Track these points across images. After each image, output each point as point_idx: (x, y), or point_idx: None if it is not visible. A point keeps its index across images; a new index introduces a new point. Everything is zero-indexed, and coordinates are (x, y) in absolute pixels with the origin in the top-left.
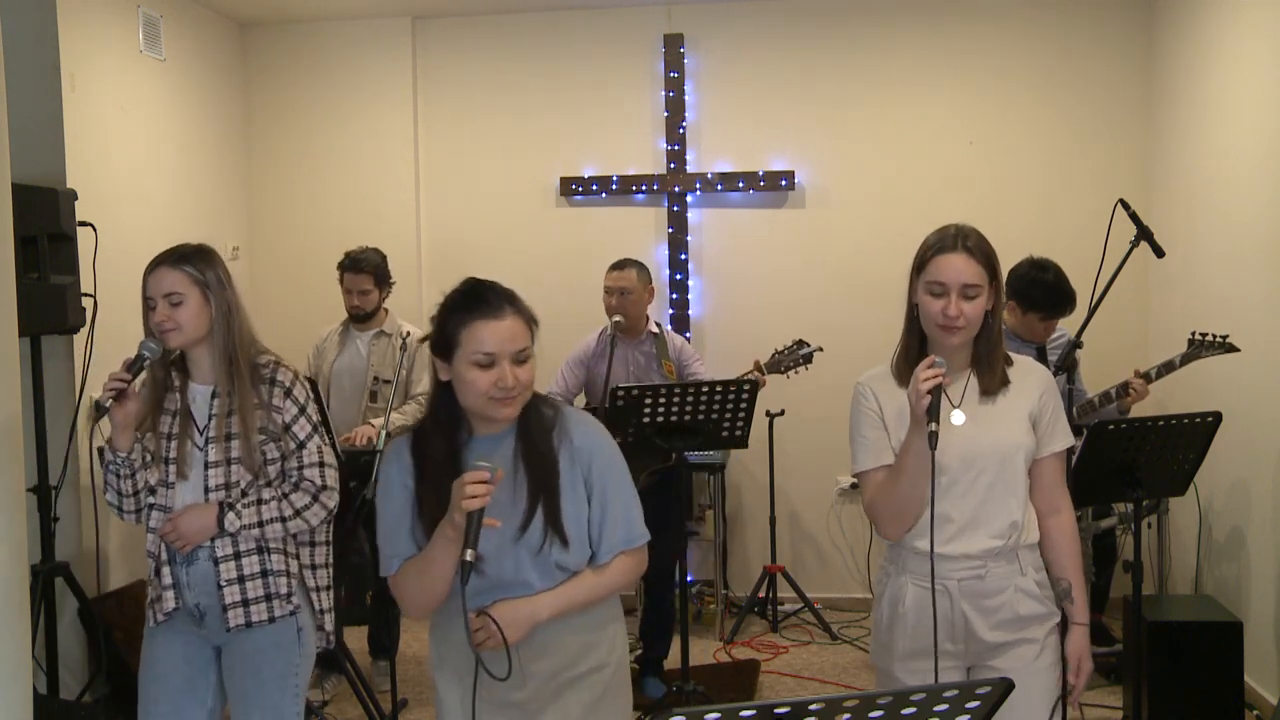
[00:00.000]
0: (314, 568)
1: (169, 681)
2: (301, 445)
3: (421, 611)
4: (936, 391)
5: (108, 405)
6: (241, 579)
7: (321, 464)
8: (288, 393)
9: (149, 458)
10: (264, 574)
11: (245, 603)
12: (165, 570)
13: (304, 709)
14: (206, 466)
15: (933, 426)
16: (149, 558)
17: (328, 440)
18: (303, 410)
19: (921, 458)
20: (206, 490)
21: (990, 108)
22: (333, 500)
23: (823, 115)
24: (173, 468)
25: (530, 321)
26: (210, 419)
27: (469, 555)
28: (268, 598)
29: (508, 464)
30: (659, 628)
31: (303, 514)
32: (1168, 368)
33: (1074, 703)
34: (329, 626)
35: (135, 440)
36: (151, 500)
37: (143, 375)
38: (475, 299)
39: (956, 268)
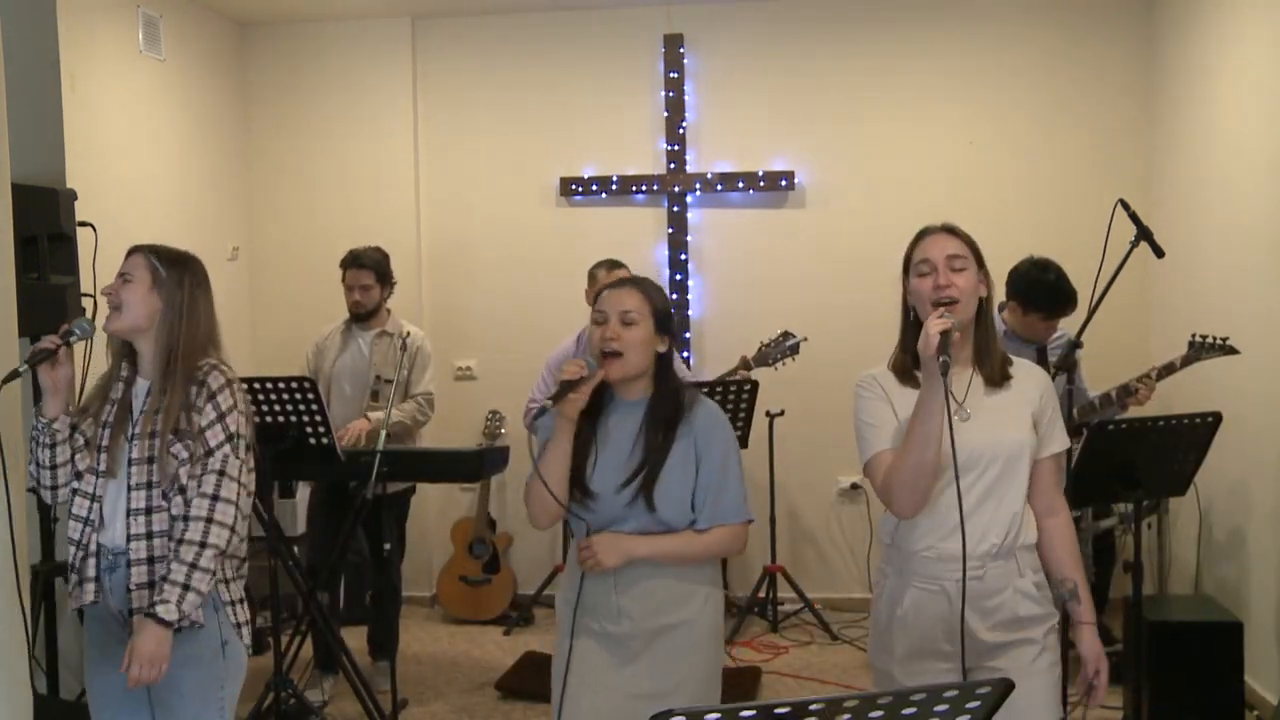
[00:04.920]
0: (226, 582)
1: (112, 686)
2: (209, 453)
3: (541, 510)
4: (946, 335)
5: (41, 354)
6: (151, 559)
7: (221, 473)
8: (211, 396)
9: (83, 441)
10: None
11: (152, 584)
12: (90, 563)
13: None
14: (130, 463)
15: (943, 358)
16: (70, 544)
17: (242, 453)
18: (221, 417)
19: (936, 416)
20: (129, 488)
21: (990, 108)
22: (228, 514)
23: (823, 115)
24: (104, 456)
25: (651, 294)
26: (141, 414)
27: (550, 404)
28: None
29: (631, 431)
30: None
31: (208, 542)
32: (1168, 370)
33: (1095, 704)
34: (247, 639)
35: (64, 411)
36: (76, 485)
37: (70, 349)
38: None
39: (939, 243)
